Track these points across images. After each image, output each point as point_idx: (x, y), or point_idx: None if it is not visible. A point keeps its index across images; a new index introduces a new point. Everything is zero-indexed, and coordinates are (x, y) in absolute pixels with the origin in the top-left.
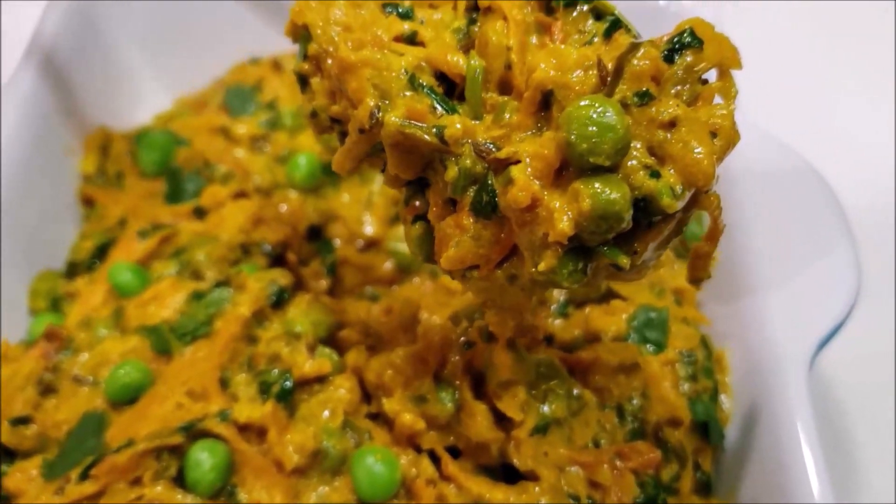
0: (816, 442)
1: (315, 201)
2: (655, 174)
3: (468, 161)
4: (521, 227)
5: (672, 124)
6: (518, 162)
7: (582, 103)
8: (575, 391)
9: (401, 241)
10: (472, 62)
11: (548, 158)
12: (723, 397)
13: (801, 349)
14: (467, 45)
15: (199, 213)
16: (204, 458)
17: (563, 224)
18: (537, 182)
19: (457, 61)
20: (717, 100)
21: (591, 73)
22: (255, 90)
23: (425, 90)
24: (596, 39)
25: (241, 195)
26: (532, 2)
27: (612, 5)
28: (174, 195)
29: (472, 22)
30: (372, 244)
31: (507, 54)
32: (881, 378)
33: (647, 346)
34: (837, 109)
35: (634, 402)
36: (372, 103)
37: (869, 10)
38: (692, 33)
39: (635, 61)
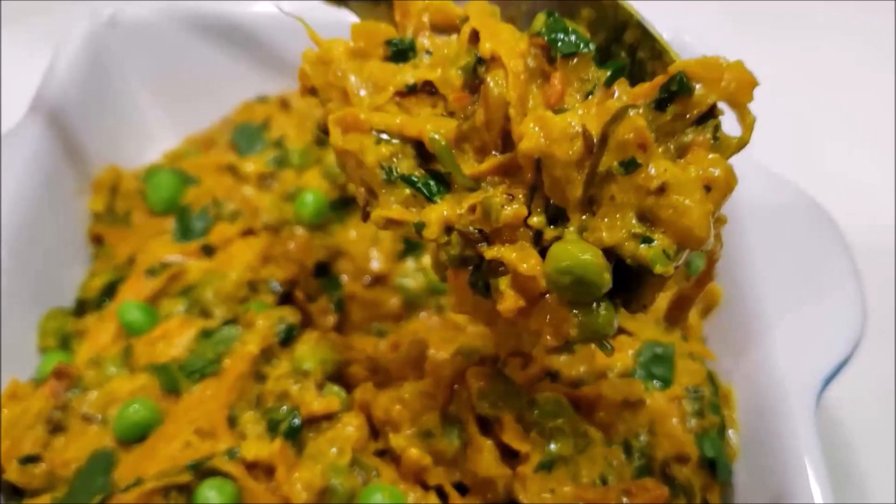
0: (825, 478)
1: (322, 238)
2: (648, 240)
3: (455, 250)
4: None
5: (661, 189)
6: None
7: (557, 266)
8: (581, 428)
9: (407, 276)
10: (436, 140)
11: (534, 283)
12: (730, 433)
13: (808, 385)
14: (475, 86)
15: (208, 251)
16: (212, 497)
17: (551, 341)
18: (523, 299)
19: (429, 136)
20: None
21: (576, 141)
22: (262, 128)
23: (404, 182)
24: (596, 90)
25: (249, 233)
26: (535, 49)
27: (629, 5)
28: (183, 233)
29: (479, 61)
30: (379, 280)
31: (507, 108)
32: (889, 414)
33: (654, 381)
34: (841, 149)
35: (641, 438)
36: (362, 194)
37: (870, 50)
38: (681, 80)
39: (620, 131)
